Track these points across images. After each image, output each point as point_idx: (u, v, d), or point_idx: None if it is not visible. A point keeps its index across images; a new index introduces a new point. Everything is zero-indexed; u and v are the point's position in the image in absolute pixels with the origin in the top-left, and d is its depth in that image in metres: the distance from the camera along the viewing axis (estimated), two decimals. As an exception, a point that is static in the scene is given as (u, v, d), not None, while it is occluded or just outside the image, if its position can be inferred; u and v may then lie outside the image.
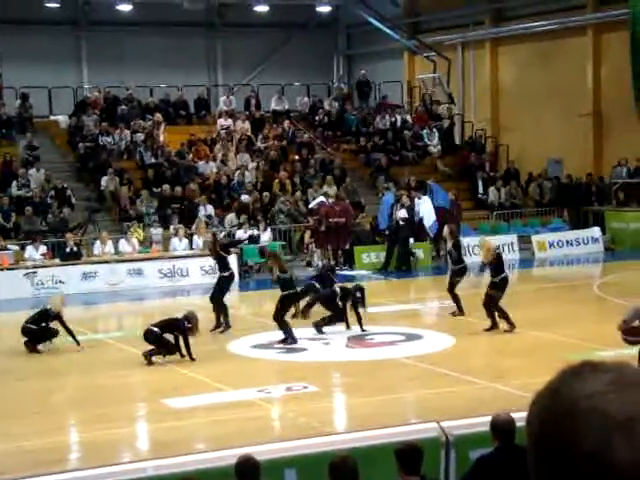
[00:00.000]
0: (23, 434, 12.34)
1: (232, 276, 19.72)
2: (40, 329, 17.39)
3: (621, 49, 31.09)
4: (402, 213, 28.00)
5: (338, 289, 18.47)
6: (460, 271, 19.43)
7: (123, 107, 33.27)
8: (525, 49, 34.66)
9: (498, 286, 17.65)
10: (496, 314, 17.72)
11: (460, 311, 19.35)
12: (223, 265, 19.40)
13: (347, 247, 28.21)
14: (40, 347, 17.39)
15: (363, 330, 18.20)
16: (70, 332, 17.36)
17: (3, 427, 12.78)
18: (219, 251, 19.43)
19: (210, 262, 26.10)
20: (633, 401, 1.49)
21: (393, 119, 35.44)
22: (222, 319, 18.74)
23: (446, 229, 20.23)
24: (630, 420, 1.48)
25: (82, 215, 28.59)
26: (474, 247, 29.01)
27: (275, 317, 17.43)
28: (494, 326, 17.69)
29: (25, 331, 17.53)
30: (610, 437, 1.47)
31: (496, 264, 17.91)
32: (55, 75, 34.04)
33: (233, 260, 26.26)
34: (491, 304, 17.67)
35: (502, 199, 32.43)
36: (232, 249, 20.97)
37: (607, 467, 1.47)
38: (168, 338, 16.16)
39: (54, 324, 17.44)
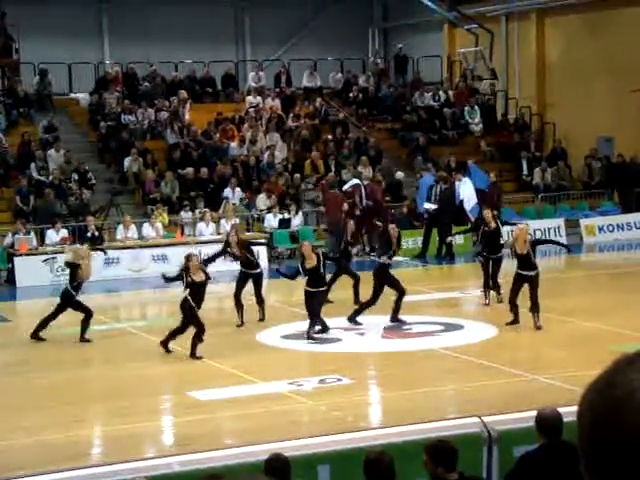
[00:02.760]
0: (42, 427, 12.43)
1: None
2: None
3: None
4: (429, 205, 27.83)
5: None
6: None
7: (146, 84, 33.37)
8: (573, 20, 34.34)
9: (535, 282, 17.34)
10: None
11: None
12: (252, 262, 19.17)
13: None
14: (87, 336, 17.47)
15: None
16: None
17: (22, 420, 12.88)
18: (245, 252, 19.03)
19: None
20: None
21: (431, 95, 35.29)
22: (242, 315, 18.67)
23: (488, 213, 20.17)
24: None
25: (104, 198, 28.73)
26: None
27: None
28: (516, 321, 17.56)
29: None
30: None
31: (530, 256, 17.53)
32: (75, 50, 34.15)
33: (262, 246, 26.34)
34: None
35: (548, 181, 32.23)
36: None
37: None
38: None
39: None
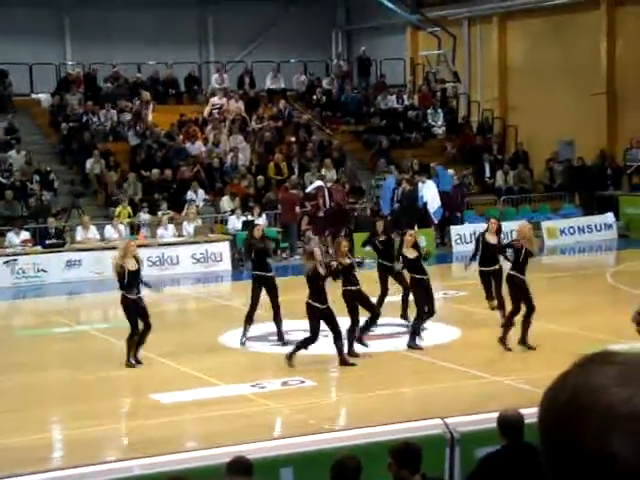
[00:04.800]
0: (2, 431, 12.32)
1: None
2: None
3: (636, 24, 31.01)
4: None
5: None
6: None
7: (108, 85, 33.18)
8: (535, 24, 34.56)
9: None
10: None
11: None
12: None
13: (344, 234, 28.14)
14: None
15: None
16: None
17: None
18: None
19: (201, 249, 26.20)
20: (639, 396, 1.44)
21: (394, 97, 35.39)
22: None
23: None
24: (634, 417, 1.43)
25: (65, 200, 28.55)
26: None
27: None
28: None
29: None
30: (611, 436, 1.43)
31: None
32: (36, 51, 33.89)
33: (226, 248, 26.30)
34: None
35: (510, 183, 32.40)
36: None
37: (608, 469, 1.43)
38: None
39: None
